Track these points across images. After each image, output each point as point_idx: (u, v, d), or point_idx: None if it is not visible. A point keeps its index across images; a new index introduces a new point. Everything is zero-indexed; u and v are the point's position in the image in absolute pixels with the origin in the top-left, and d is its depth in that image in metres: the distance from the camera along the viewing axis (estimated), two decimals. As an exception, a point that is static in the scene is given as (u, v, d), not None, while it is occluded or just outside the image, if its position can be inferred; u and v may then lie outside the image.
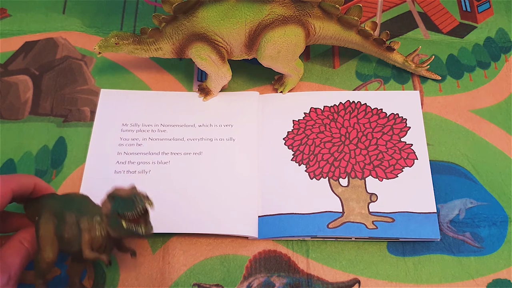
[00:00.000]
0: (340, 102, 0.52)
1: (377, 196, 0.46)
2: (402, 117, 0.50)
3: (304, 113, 0.51)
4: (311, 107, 0.52)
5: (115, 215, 0.35)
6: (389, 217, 0.45)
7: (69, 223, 0.37)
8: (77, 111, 0.52)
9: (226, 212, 0.46)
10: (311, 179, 0.48)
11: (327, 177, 0.48)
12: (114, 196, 0.36)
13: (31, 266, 0.39)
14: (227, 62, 0.49)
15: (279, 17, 0.45)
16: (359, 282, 0.44)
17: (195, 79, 0.55)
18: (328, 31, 0.48)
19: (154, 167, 0.48)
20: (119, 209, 0.35)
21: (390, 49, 0.51)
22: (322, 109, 0.51)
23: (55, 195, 0.41)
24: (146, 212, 0.36)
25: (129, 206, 0.35)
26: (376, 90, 0.53)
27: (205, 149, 0.49)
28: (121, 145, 0.49)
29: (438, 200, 0.47)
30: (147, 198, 0.36)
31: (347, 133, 0.50)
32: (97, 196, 0.40)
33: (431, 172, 0.47)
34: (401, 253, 0.45)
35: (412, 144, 0.49)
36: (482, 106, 0.52)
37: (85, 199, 0.40)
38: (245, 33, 0.46)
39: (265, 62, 0.48)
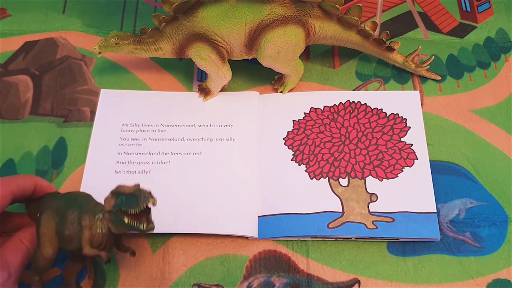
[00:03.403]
0: (340, 102, 0.52)
1: (377, 196, 0.46)
2: (402, 117, 0.50)
3: (304, 113, 0.51)
4: (311, 107, 0.52)
5: (118, 211, 0.36)
6: (389, 217, 0.45)
7: (71, 220, 0.38)
8: (77, 111, 0.52)
9: (226, 212, 0.46)
10: (311, 179, 0.48)
11: (327, 177, 0.48)
12: (118, 193, 0.36)
13: (30, 267, 0.39)
14: (227, 62, 0.49)
15: (279, 17, 0.45)
16: (359, 282, 0.44)
17: (195, 79, 0.55)
18: (328, 31, 0.48)
19: (154, 167, 0.48)
20: (122, 205, 0.35)
21: (390, 49, 0.51)
22: (322, 109, 0.51)
23: (58, 193, 0.41)
24: (148, 209, 0.37)
25: (132, 202, 0.35)
26: (376, 90, 0.53)
27: (205, 149, 0.49)
28: (121, 145, 0.49)
29: (438, 200, 0.47)
30: (150, 195, 0.36)
31: (347, 133, 0.50)
32: (97, 196, 0.40)
33: (431, 172, 0.47)
34: (401, 253, 0.45)
35: (412, 144, 0.49)
36: (482, 106, 0.52)
37: (87, 197, 0.40)
38: (245, 33, 0.46)
39: (265, 62, 0.48)
